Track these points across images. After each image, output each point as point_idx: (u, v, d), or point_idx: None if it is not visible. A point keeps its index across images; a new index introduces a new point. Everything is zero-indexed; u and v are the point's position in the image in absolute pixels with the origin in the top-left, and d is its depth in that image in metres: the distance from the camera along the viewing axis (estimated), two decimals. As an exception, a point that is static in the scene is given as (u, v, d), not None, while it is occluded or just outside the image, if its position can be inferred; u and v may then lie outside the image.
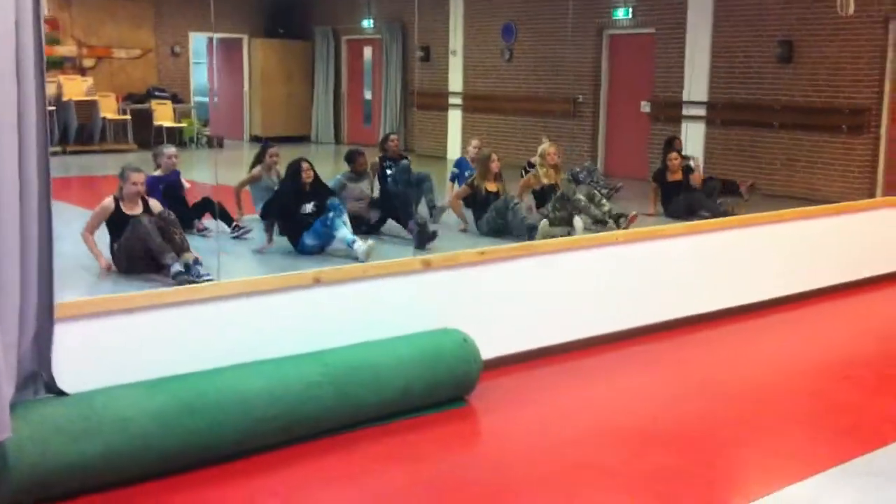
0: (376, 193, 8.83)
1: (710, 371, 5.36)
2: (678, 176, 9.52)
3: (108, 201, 6.71)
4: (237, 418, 3.93)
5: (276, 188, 8.08)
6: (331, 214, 7.17)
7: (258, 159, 8.88)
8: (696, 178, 9.71)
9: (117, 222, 6.64)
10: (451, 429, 4.41)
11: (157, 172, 8.11)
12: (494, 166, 8.44)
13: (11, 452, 3.43)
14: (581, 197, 8.29)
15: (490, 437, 4.53)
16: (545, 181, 8.81)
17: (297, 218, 7.34)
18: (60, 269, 6.30)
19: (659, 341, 5.78)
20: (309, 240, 7.26)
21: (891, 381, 5.23)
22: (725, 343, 5.92)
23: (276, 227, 7.58)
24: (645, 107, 13.01)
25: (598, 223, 8.13)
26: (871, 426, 4.46)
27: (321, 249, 7.33)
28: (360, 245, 6.97)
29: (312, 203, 7.34)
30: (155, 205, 6.81)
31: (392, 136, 9.77)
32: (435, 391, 4.55)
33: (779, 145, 11.63)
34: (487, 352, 4.86)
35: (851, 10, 6.74)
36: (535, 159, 9.27)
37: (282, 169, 8.12)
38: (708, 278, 6.22)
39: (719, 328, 6.12)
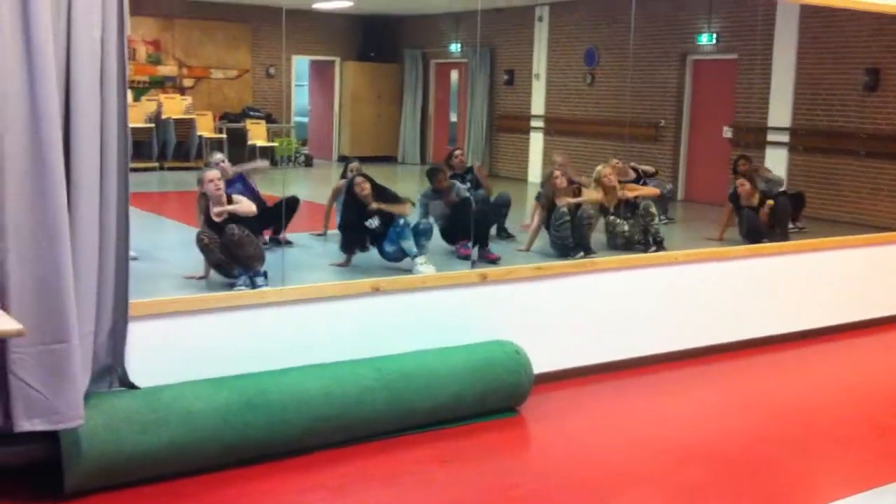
0: None
1: (760, 393, 5.40)
2: (752, 202, 9.33)
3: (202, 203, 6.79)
4: (295, 417, 4.16)
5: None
6: (401, 222, 7.31)
7: (343, 174, 9.21)
8: (763, 216, 9.22)
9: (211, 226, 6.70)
10: (499, 436, 4.57)
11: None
12: (558, 182, 8.47)
13: (84, 439, 3.70)
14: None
15: (535, 445, 4.68)
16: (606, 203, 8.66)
17: (362, 232, 7.43)
18: (151, 272, 6.71)
19: (711, 363, 5.83)
20: (388, 246, 7.42)
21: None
22: (778, 367, 5.94)
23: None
24: (727, 132, 12.97)
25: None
26: (918, 451, 4.47)
27: (403, 255, 7.35)
28: (423, 267, 7.03)
29: (377, 216, 7.38)
30: (239, 204, 6.70)
31: (457, 152, 9.79)
32: (486, 400, 4.72)
33: (864, 173, 11.47)
34: (541, 365, 5.01)
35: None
36: (589, 180, 9.01)
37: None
38: (765, 302, 6.24)
39: (773, 353, 6.13)
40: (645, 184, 9.87)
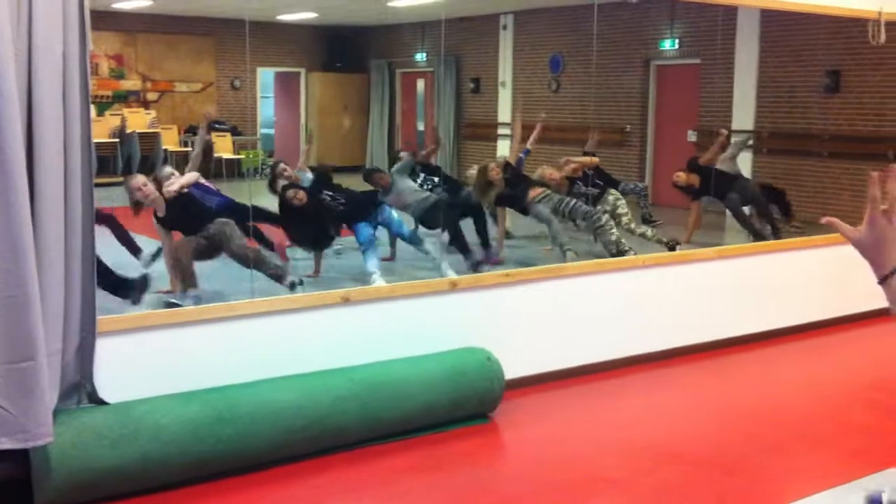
0: None
1: (730, 394, 5.45)
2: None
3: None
4: (266, 429, 4.14)
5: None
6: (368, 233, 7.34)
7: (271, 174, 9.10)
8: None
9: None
10: (472, 443, 4.58)
11: None
12: (493, 174, 8.28)
13: (53, 456, 3.67)
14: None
15: (508, 451, 4.70)
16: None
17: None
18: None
19: (681, 365, 5.88)
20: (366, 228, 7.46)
21: (914, 404, 5.27)
22: (747, 368, 6.00)
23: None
24: (692, 136, 13.09)
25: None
26: (884, 448, 4.53)
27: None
28: (377, 279, 7.01)
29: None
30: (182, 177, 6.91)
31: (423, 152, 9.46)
32: (458, 408, 4.73)
33: (827, 174, 11.62)
34: (512, 371, 5.02)
35: (882, 39, 6.81)
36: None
37: None
38: (733, 303, 6.30)
39: (741, 353, 6.19)
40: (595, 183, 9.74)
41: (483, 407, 4.84)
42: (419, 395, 4.57)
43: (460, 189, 8.97)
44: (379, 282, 6.81)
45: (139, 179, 6.60)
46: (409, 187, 8.20)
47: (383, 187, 8.16)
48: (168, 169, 8.38)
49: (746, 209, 9.68)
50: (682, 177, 9.58)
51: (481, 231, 8.02)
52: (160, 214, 6.57)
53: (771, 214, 9.50)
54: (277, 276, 6.48)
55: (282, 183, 8.21)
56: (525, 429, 4.78)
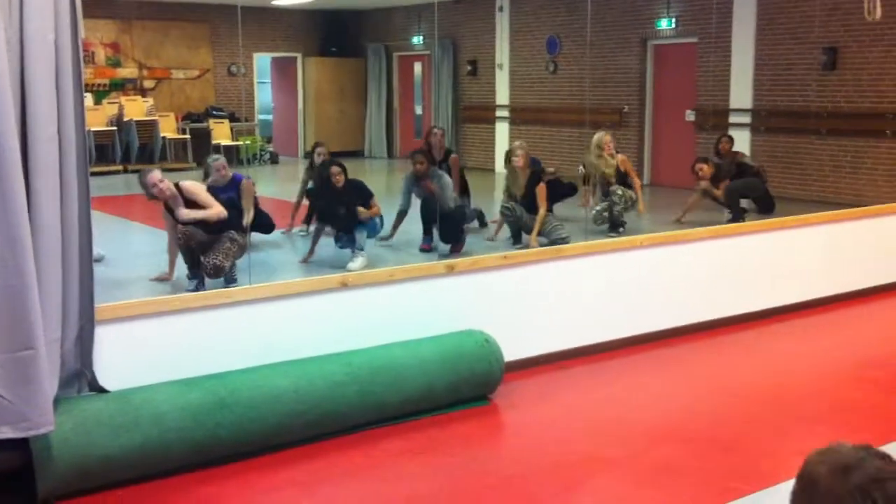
0: None
1: (727, 373, 5.47)
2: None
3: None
4: (266, 414, 4.16)
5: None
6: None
7: (310, 157, 9.29)
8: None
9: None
10: (472, 425, 4.60)
11: (212, 182, 8.01)
12: (517, 162, 8.42)
13: (55, 444, 3.70)
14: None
15: (508, 432, 4.72)
16: (606, 171, 8.94)
17: (330, 217, 7.64)
18: (119, 276, 6.69)
19: (678, 345, 5.90)
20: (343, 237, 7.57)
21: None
22: (745, 347, 6.02)
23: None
24: (690, 115, 13.07)
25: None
26: (881, 425, 4.55)
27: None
28: (354, 263, 7.19)
29: (344, 206, 7.51)
30: (209, 210, 6.65)
31: (436, 130, 9.46)
32: (457, 390, 4.75)
33: (826, 151, 11.61)
34: (512, 353, 5.05)
35: (879, 14, 6.79)
36: (591, 151, 9.28)
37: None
38: (731, 283, 6.31)
39: (740, 332, 6.20)
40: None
41: (482, 389, 4.86)
42: (418, 378, 4.59)
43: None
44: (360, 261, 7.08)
45: (155, 175, 6.55)
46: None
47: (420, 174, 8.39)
48: (220, 159, 8.27)
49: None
50: (704, 169, 9.56)
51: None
52: (176, 213, 6.57)
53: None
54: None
55: (318, 160, 8.75)
56: (524, 411, 4.80)
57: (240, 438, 4.11)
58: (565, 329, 5.54)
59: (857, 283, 7.04)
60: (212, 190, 7.20)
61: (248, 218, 7.42)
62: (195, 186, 6.73)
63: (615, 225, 8.74)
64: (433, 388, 4.64)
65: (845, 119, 11.35)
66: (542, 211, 8.01)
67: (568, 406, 4.88)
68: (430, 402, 4.65)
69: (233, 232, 6.64)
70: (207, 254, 6.50)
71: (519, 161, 8.30)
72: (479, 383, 4.82)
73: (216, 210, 6.57)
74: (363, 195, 7.63)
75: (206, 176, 8.30)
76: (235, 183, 7.96)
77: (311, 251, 7.64)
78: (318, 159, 8.90)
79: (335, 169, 7.67)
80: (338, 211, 7.52)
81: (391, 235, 8.36)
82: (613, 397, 5.04)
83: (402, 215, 8.43)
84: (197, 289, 6.38)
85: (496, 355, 4.86)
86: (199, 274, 6.56)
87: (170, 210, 6.60)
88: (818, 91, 11.62)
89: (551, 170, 10.52)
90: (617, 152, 9.31)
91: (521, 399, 4.91)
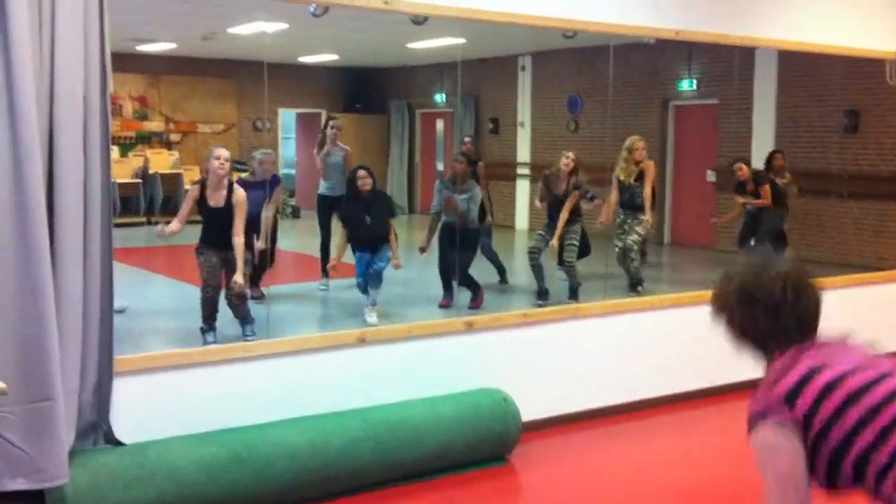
0: None
1: (744, 436, 5.38)
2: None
3: (194, 188, 6.30)
4: (281, 470, 4.14)
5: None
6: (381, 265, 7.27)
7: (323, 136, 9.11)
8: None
9: (201, 212, 6.25)
10: (488, 485, 4.55)
11: (246, 176, 7.78)
12: (565, 163, 8.44)
13: (70, 497, 3.69)
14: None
15: (525, 493, 4.66)
16: (623, 178, 8.84)
17: (356, 227, 7.36)
18: (139, 328, 6.65)
19: (700, 407, 5.84)
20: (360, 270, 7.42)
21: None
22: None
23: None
24: (710, 176, 13.08)
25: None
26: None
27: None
28: (374, 316, 7.04)
29: (370, 215, 7.29)
30: (239, 196, 6.20)
31: (466, 138, 9.40)
32: (474, 449, 4.70)
33: (847, 214, 11.57)
34: (529, 413, 5.01)
35: (900, 79, 6.82)
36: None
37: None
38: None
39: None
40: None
41: (499, 449, 4.81)
42: (435, 436, 4.56)
43: None
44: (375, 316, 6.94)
45: (223, 152, 6.17)
46: None
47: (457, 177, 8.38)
48: (267, 152, 8.11)
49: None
50: (744, 169, 9.51)
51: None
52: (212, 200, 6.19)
53: None
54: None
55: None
56: (542, 471, 4.75)
57: (255, 494, 4.09)
58: (584, 389, 5.50)
59: (885, 347, 6.94)
60: (244, 183, 6.92)
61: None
62: (243, 199, 6.26)
63: (634, 283, 8.69)
64: (450, 446, 4.60)
65: (867, 182, 11.32)
66: (564, 214, 8.00)
67: (586, 467, 4.82)
68: (446, 461, 4.61)
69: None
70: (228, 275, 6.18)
71: (569, 163, 8.40)
72: (496, 443, 4.78)
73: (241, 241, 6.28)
74: (388, 208, 7.47)
75: (251, 172, 7.91)
76: (272, 183, 7.66)
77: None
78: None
79: (362, 172, 7.38)
80: (363, 218, 7.24)
81: (426, 247, 8.20)
82: (632, 459, 4.97)
83: (436, 218, 8.28)
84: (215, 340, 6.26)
85: (514, 414, 4.82)
86: (214, 325, 6.35)
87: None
88: (839, 153, 11.62)
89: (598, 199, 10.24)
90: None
91: (538, 459, 4.86)
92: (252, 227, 6.74)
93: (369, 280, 7.26)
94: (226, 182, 6.16)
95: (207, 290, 6.27)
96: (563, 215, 8.01)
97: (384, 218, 7.32)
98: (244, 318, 6.33)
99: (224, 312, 6.37)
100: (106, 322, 3.90)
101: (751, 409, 2.18)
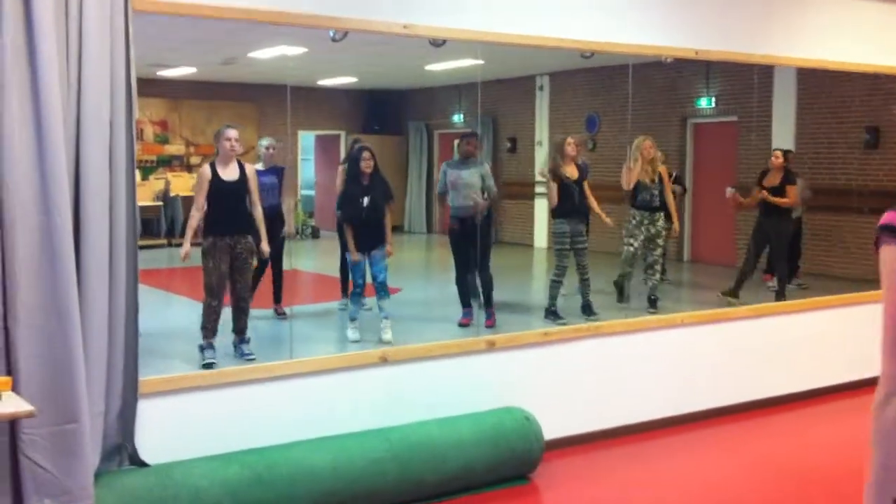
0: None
1: (772, 454, 5.35)
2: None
3: (205, 168, 6.28)
4: (304, 491, 4.15)
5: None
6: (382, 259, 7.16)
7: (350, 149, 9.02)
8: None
9: (216, 190, 6.15)
10: (511, 505, 4.55)
11: (258, 166, 7.74)
12: (570, 149, 8.37)
13: (95, 518, 3.72)
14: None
15: (548, 513, 4.64)
16: (643, 178, 8.79)
17: (353, 208, 7.23)
18: (161, 350, 6.63)
19: (722, 425, 5.81)
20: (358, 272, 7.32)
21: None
22: (789, 427, 5.91)
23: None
24: (730, 192, 13.04)
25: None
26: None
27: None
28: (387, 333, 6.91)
29: (369, 197, 7.18)
30: (251, 170, 6.35)
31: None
32: (496, 469, 4.70)
33: (869, 230, 11.48)
34: (552, 431, 5.00)
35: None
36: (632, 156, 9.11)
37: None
38: (772, 362, 6.22)
39: (784, 413, 6.10)
40: None
41: (522, 468, 4.80)
42: (457, 456, 4.56)
43: None
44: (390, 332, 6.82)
45: (233, 132, 6.34)
46: None
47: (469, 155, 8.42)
48: (270, 140, 8.20)
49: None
50: (780, 157, 9.54)
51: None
52: (224, 174, 6.18)
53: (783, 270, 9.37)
54: None
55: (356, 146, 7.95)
56: (565, 490, 4.73)
57: (278, 515, 4.09)
58: (606, 407, 5.49)
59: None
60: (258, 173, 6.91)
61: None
62: (254, 173, 6.42)
63: (653, 301, 8.64)
64: (472, 466, 4.59)
65: (888, 197, 11.26)
66: (594, 203, 8.42)
67: (609, 487, 4.80)
68: (468, 481, 4.61)
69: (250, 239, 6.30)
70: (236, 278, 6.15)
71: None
72: (518, 462, 4.78)
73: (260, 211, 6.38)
74: (386, 192, 7.37)
75: (258, 158, 7.97)
76: (278, 168, 7.80)
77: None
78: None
79: (366, 154, 7.28)
80: (361, 199, 7.13)
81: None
82: (655, 478, 4.95)
83: (441, 198, 8.28)
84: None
85: (536, 434, 4.82)
86: (213, 343, 6.16)
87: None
88: (860, 169, 11.58)
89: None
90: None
91: (561, 478, 4.85)
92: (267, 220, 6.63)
93: (376, 293, 7.21)
94: (235, 160, 6.28)
95: (212, 298, 6.13)
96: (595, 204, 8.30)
97: (382, 202, 7.25)
98: (242, 330, 6.20)
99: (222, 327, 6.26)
100: (131, 344, 3.94)
101: (882, 221, 1.97)
